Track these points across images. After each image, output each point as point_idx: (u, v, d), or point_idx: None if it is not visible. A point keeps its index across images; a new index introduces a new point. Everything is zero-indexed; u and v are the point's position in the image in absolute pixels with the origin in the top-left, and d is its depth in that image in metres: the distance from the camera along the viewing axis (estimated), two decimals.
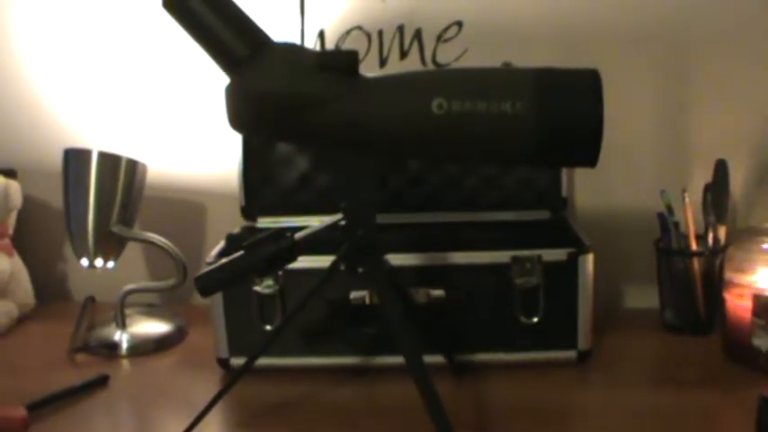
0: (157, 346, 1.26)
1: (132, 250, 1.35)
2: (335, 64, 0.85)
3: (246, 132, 0.90)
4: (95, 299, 1.44)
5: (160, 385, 1.13)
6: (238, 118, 0.88)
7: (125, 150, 1.26)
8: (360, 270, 0.91)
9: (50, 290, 1.49)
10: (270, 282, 1.10)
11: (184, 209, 1.45)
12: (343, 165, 0.88)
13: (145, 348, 1.25)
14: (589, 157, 0.84)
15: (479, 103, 0.83)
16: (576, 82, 0.84)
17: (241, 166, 1.31)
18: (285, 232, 0.90)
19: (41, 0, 1.42)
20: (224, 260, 0.90)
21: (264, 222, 1.31)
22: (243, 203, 1.32)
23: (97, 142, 1.36)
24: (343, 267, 0.92)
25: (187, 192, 1.45)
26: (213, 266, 0.90)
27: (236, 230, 1.27)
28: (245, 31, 0.86)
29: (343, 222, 0.90)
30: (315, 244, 0.91)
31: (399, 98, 0.85)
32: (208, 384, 1.11)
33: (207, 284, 0.89)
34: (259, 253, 0.88)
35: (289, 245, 0.88)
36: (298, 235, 0.90)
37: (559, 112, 0.83)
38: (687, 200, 1.22)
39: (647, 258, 1.26)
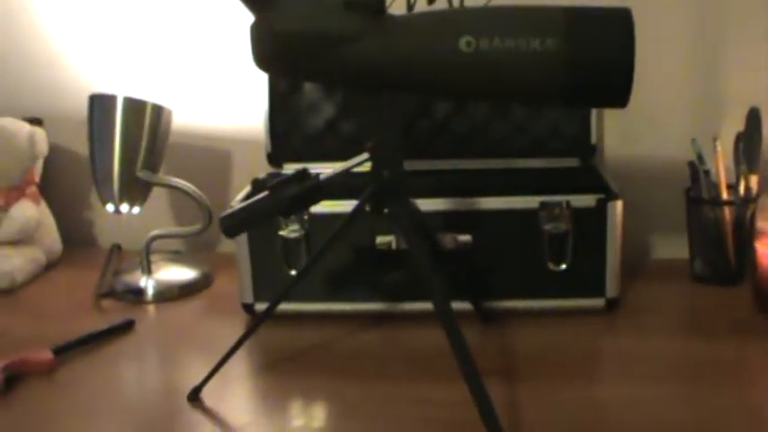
0: (183, 291, 1.26)
1: (157, 197, 1.35)
2: (362, 2, 0.83)
3: (272, 72, 0.89)
4: (121, 246, 1.44)
5: (185, 330, 1.14)
6: (264, 57, 0.86)
7: (150, 96, 1.25)
8: (385, 211, 0.90)
9: (77, 237, 1.50)
10: (295, 226, 1.10)
11: (210, 155, 1.45)
12: (369, 104, 0.87)
13: (170, 294, 1.25)
14: (620, 96, 0.82)
15: (508, 40, 0.81)
16: (608, 20, 0.82)
17: (267, 113, 1.30)
18: (310, 172, 0.88)
19: None
20: (248, 201, 0.89)
21: (290, 169, 1.31)
22: (269, 149, 1.31)
23: (123, 88, 1.35)
24: (368, 208, 0.91)
25: (213, 138, 1.44)
26: (238, 207, 0.89)
27: (261, 176, 1.27)
28: None
29: (368, 162, 0.89)
30: (340, 185, 0.90)
31: (427, 36, 0.83)
32: (233, 330, 1.11)
33: (232, 224, 0.88)
34: (284, 193, 0.87)
35: (314, 185, 0.87)
36: (323, 175, 0.89)
37: (590, 51, 0.81)
38: (719, 148, 1.19)
39: (676, 208, 1.25)
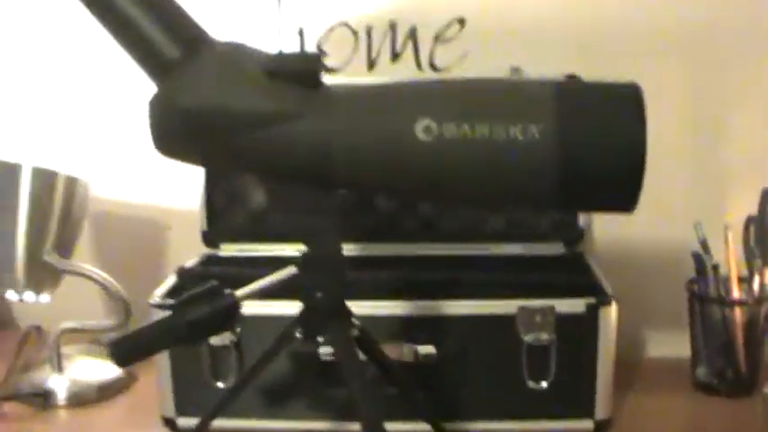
0: (100, 394, 1.12)
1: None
2: (291, 71, 0.68)
3: (174, 157, 0.72)
4: (41, 328, 1.28)
5: None
6: (163, 138, 0.71)
7: (64, 167, 1.13)
8: (320, 340, 0.75)
9: None
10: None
11: (139, 233, 1.33)
12: (298, 204, 0.71)
13: (85, 397, 1.11)
14: (626, 199, 0.67)
15: (480, 126, 0.65)
16: (611, 100, 0.67)
17: (204, 186, 1.19)
18: (222, 288, 0.72)
19: None
20: (144, 324, 0.73)
21: (229, 250, 1.19)
22: (204, 227, 1.19)
23: (30, 157, 1.22)
24: (299, 335, 0.76)
25: (143, 213, 1.33)
26: (131, 332, 0.73)
27: (191, 262, 1.14)
28: (176, 26, 0.69)
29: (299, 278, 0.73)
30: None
31: (374, 118, 0.68)
32: None
33: (121, 354, 0.71)
34: (190, 315, 0.70)
35: (228, 305, 0.71)
36: (239, 292, 0.73)
37: (588, 140, 0.66)
38: (730, 237, 1.08)
39: (676, 301, 1.13)
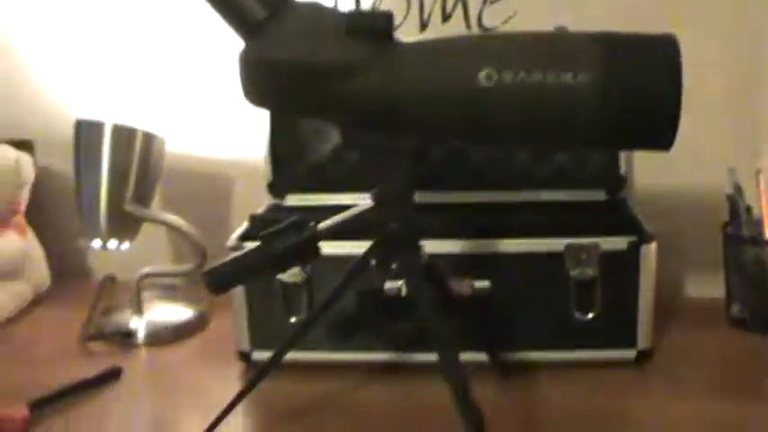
0: (176, 334, 1.18)
1: (156, 227, 1.26)
2: (366, 27, 0.74)
3: (263, 106, 0.79)
4: (115, 278, 1.34)
5: (178, 380, 1.06)
6: (254, 89, 0.78)
7: (141, 123, 1.18)
8: (393, 266, 0.81)
9: (69, 268, 1.42)
10: (295, 270, 1.01)
11: (208, 185, 1.38)
12: (374, 146, 0.78)
13: (163, 337, 1.17)
14: (663, 138, 0.73)
15: (535, 73, 0.71)
16: (650, 50, 0.73)
17: (268, 140, 1.23)
18: (307, 221, 0.79)
19: None
20: (237, 253, 0.79)
21: (293, 200, 1.24)
22: (270, 179, 1.24)
23: (112, 114, 1.27)
24: (373, 262, 0.82)
25: (210, 167, 1.37)
26: (224, 260, 0.80)
27: (260, 210, 1.20)
28: None
29: (374, 212, 0.79)
30: (341, 234, 0.81)
31: (441, 67, 0.74)
32: (229, 379, 1.04)
33: (216, 281, 0.78)
34: (277, 245, 0.78)
35: (311, 235, 0.78)
36: (321, 224, 0.80)
37: (630, 85, 0.71)
38: (762, 182, 1.12)
39: (712, 244, 1.17)
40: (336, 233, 0.80)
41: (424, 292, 0.80)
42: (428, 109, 0.74)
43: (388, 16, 0.75)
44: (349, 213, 0.81)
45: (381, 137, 0.77)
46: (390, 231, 0.79)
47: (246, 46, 0.77)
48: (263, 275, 0.91)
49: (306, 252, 0.79)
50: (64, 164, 1.33)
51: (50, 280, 1.36)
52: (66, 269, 1.40)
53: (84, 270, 1.45)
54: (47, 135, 1.37)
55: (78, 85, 1.38)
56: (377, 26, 0.74)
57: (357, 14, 0.77)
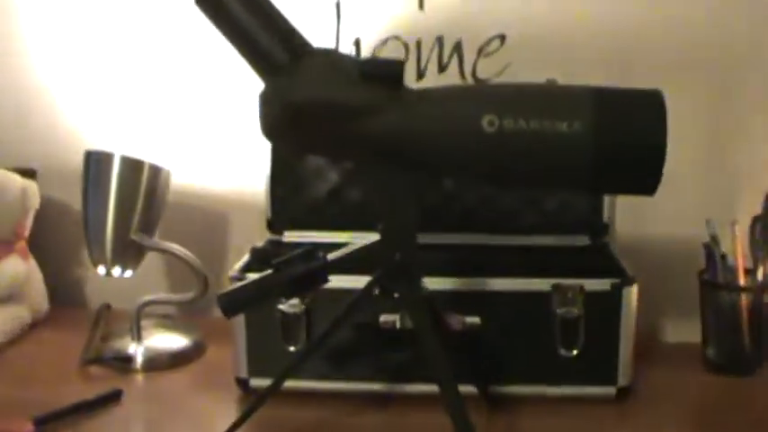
0: (174, 360, 1.21)
1: (152, 258, 1.31)
2: (380, 73, 0.80)
3: (280, 142, 0.85)
4: (111, 306, 1.39)
5: (176, 403, 1.09)
6: (273, 126, 0.83)
7: (148, 156, 1.22)
8: (396, 295, 0.86)
9: (65, 295, 1.45)
10: (295, 300, 1.05)
11: (208, 219, 1.41)
12: (382, 182, 0.83)
13: (161, 363, 1.20)
14: (649, 184, 0.79)
15: (533, 121, 0.77)
16: (638, 103, 0.79)
17: (269, 177, 1.26)
18: (317, 251, 0.84)
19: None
20: (250, 278, 0.84)
21: (291, 236, 1.27)
22: (269, 215, 1.27)
23: (120, 146, 1.32)
24: (377, 291, 0.87)
25: (211, 201, 1.40)
26: (238, 285, 0.84)
27: (260, 244, 1.23)
28: (284, 34, 0.82)
29: (379, 244, 0.85)
30: (348, 265, 0.85)
31: (447, 113, 0.80)
32: (226, 405, 1.07)
33: (231, 303, 0.83)
34: (288, 272, 0.83)
35: (320, 265, 0.83)
36: (331, 255, 0.85)
37: (620, 135, 0.78)
38: (737, 232, 1.17)
39: (689, 291, 1.21)
40: (345, 263, 0.85)
41: (425, 323, 0.85)
42: (435, 149, 0.80)
43: (400, 64, 0.81)
44: (356, 246, 0.86)
45: (392, 173, 0.83)
46: (395, 262, 0.84)
47: (267, 86, 0.83)
48: (273, 300, 0.96)
49: (316, 280, 0.84)
50: (64, 193, 1.39)
51: (48, 306, 1.38)
52: (62, 296, 1.43)
53: (79, 299, 1.47)
54: (47, 164, 1.40)
55: (82, 119, 1.42)
56: (390, 73, 0.80)
57: (372, 61, 0.83)
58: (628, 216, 1.31)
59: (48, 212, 1.40)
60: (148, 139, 1.39)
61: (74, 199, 1.36)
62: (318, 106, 0.80)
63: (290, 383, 1.02)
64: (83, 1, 1.39)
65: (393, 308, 1.03)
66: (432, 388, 0.86)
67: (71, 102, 1.41)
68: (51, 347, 1.26)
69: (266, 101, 0.83)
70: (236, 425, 0.94)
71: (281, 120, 0.82)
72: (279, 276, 0.83)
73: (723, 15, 1.27)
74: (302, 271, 0.83)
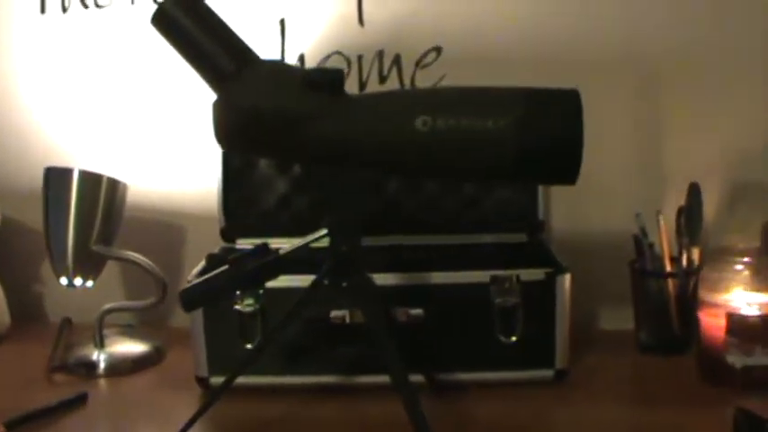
0: (135, 365, 1.25)
1: (109, 270, 1.34)
2: (322, 81, 0.86)
3: (232, 148, 0.91)
4: (72, 320, 1.42)
5: (139, 404, 1.13)
6: (225, 133, 0.89)
7: (105, 169, 1.26)
8: (344, 284, 0.91)
9: (26, 311, 1.47)
10: (250, 300, 1.10)
11: (164, 229, 1.44)
12: (328, 181, 0.89)
13: (123, 368, 1.24)
14: (568, 173, 0.85)
15: (464, 120, 0.84)
16: (557, 100, 0.86)
17: (221, 188, 1.31)
18: (270, 247, 0.90)
19: (21, 20, 1.42)
20: (208, 275, 0.90)
21: (244, 244, 1.31)
22: (223, 225, 1.32)
23: (77, 161, 1.36)
24: (326, 282, 0.92)
25: (167, 212, 1.44)
26: (197, 280, 0.90)
27: (215, 251, 1.28)
28: (231, 46, 0.88)
29: (328, 237, 0.91)
30: (299, 259, 0.91)
31: (385, 115, 0.87)
32: (187, 403, 1.09)
33: (191, 298, 0.89)
34: (244, 267, 0.89)
35: (274, 259, 0.89)
36: (282, 249, 0.91)
37: (540, 128, 0.84)
38: (662, 222, 1.23)
39: (622, 280, 1.27)
40: (295, 256, 0.91)
41: (373, 310, 0.91)
42: (375, 149, 0.87)
43: (340, 72, 0.87)
44: (305, 240, 0.92)
45: (336, 173, 0.89)
46: (342, 254, 0.90)
47: (217, 94, 0.89)
48: (231, 294, 1.01)
49: (270, 272, 0.90)
50: (21, 212, 1.42)
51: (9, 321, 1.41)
52: (23, 312, 1.46)
53: (39, 313, 1.50)
54: (3, 185, 1.45)
55: (37, 137, 1.45)
56: (332, 80, 0.87)
57: (315, 70, 0.90)
58: (563, 213, 1.38)
59: (6, 231, 1.43)
60: (105, 154, 1.43)
61: (29, 217, 1.42)
62: (266, 112, 0.86)
63: (248, 379, 1.07)
64: (35, 19, 1.43)
65: (342, 303, 1.09)
66: (383, 378, 0.91)
67: (27, 122, 1.45)
68: (16, 359, 1.29)
69: (218, 109, 0.89)
70: (192, 420, 0.98)
71: (232, 126, 0.88)
72: (235, 271, 0.89)
73: (644, 15, 1.33)
74: (256, 265, 0.89)
